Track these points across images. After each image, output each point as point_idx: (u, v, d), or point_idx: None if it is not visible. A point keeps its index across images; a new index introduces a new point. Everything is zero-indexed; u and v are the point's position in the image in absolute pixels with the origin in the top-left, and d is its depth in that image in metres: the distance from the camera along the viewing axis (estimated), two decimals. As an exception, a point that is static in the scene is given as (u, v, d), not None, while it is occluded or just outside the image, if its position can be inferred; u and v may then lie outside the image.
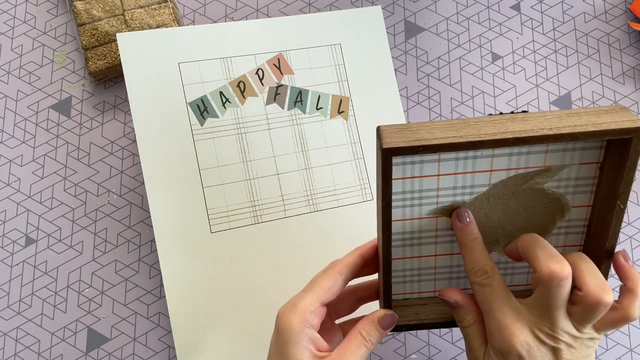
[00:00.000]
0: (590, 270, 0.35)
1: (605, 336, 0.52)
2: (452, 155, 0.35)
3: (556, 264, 0.34)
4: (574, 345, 0.35)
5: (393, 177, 0.35)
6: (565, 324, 0.35)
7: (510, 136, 0.32)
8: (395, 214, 0.37)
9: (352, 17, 0.56)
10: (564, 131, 0.32)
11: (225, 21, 0.59)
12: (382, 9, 0.59)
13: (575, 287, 0.35)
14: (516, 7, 0.60)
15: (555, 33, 0.59)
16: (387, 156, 0.33)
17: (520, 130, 0.32)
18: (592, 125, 0.32)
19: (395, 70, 0.58)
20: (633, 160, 0.33)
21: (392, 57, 0.57)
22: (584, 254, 0.37)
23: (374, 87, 0.55)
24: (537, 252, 0.35)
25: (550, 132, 0.32)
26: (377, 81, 0.55)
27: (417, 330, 0.52)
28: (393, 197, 0.36)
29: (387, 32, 0.59)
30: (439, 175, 0.36)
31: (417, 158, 0.35)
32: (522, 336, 0.35)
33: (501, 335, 0.35)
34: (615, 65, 0.58)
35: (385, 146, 0.32)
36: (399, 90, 0.56)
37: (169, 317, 0.51)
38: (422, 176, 0.36)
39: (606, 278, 0.38)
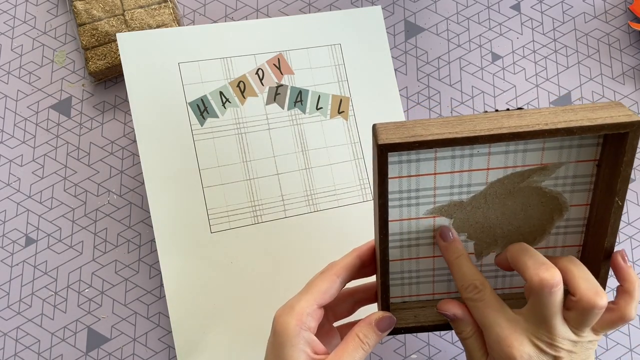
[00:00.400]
0: (582, 275, 0.35)
1: (605, 336, 0.52)
2: (449, 153, 0.35)
3: (546, 272, 0.34)
4: (574, 350, 0.35)
5: (389, 176, 0.35)
6: (563, 330, 0.35)
7: (506, 131, 0.32)
8: (393, 213, 0.37)
9: (352, 17, 0.56)
10: (559, 126, 0.32)
11: (225, 21, 0.59)
12: (382, 9, 0.59)
13: (569, 292, 0.35)
14: (516, 7, 0.60)
15: (555, 33, 0.59)
16: (382, 152, 0.33)
17: (516, 125, 0.32)
18: (588, 120, 0.32)
19: (395, 70, 0.58)
20: (630, 156, 0.33)
21: (392, 57, 0.57)
22: (574, 258, 0.37)
23: (374, 87, 0.55)
24: (525, 261, 0.35)
25: (546, 127, 0.32)
26: (377, 81, 0.55)
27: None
28: (390, 196, 0.36)
29: (387, 32, 0.59)
30: (435, 173, 0.36)
31: (413, 156, 0.35)
32: (521, 347, 0.35)
33: (500, 348, 0.35)
34: (615, 65, 0.58)
35: (380, 142, 0.32)
36: (399, 90, 0.56)
37: (169, 317, 0.51)
38: (418, 175, 0.36)
39: (606, 277, 0.38)
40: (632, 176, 0.55)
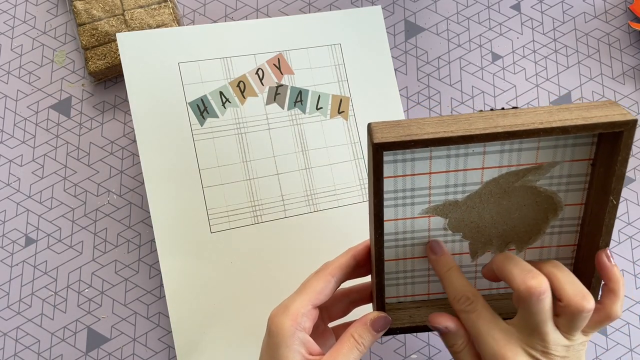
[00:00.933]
0: (567, 279, 0.35)
1: (605, 336, 0.52)
2: (444, 152, 0.35)
3: (532, 279, 0.34)
4: (567, 355, 0.35)
5: (385, 176, 0.36)
6: (555, 336, 0.35)
7: (501, 130, 0.32)
8: (388, 213, 0.37)
9: (352, 17, 0.56)
10: (554, 125, 0.32)
11: (225, 21, 0.59)
12: (382, 8, 0.59)
13: (556, 298, 0.35)
14: (516, 7, 0.60)
15: (556, 33, 0.59)
16: (377, 151, 0.33)
17: (511, 124, 0.32)
18: (582, 119, 0.32)
19: (395, 70, 0.58)
20: (624, 155, 0.33)
21: (392, 57, 0.57)
22: (558, 263, 0.37)
23: (374, 87, 0.55)
24: (511, 270, 0.35)
25: (541, 126, 0.32)
26: (377, 81, 0.55)
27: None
28: (385, 196, 0.36)
29: (387, 32, 0.59)
30: (430, 173, 0.36)
31: (408, 156, 0.35)
32: (516, 358, 0.35)
33: None
34: (616, 65, 0.58)
35: (376, 141, 0.32)
36: (399, 90, 0.56)
37: (169, 317, 0.51)
38: (413, 174, 0.36)
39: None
40: (632, 176, 0.55)
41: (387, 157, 0.35)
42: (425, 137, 0.32)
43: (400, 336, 0.52)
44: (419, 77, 0.58)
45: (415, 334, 0.52)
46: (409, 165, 0.36)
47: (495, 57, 0.59)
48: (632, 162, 0.56)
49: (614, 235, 0.54)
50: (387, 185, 0.36)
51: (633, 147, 0.56)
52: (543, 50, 0.59)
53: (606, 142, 0.34)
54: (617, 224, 0.54)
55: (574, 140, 0.35)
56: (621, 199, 0.55)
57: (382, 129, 0.33)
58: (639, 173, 0.56)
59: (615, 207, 0.35)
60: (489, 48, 0.59)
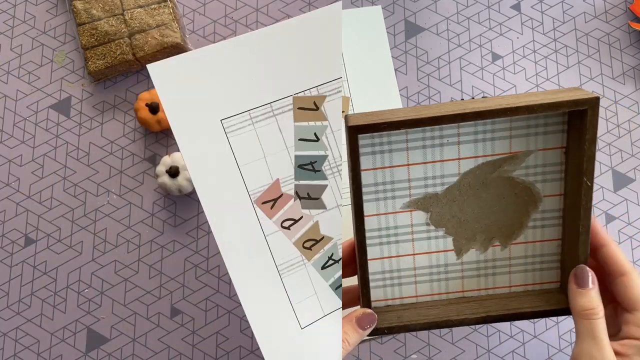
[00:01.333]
0: None
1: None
2: (420, 143, 0.36)
3: None
4: None
5: (364, 168, 0.37)
6: None
7: (469, 111, 0.33)
8: (370, 208, 0.38)
9: (352, 17, 0.56)
10: (520, 104, 0.33)
11: (225, 21, 0.59)
12: (382, 8, 0.59)
13: None
14: (516, 7, 0.60)
15: (556, 33, 0.59)
16: (352, 134, 0.34)
17: (479, 107, 0.34)
18: (548, 99, 0.34)
19: (395, 70, 0.58)
20: (592, 133, 0.34)
21: (392, 57, 0.57)
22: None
23: (374, 87, 0.55)
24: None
25: (507, 106, 0.33)
26: (377, 81, 0.55)
27: (413, 332, 0.52)
28: (366, 189, 0.37)
29: (387, 32, 0.59)
30: (408, 164, 0.37)
31: (385, 147, 0.36)
32: None
33: None
34: (616, 65, 0.58)
35: (350, 124, 0.34)
36: (399, 90, 0.56)
37: (168, 317, 0.50)
38: (392, 166, 0.37)
39: (587, 261, 0.37)
40: (632, 176, 0.55)
41: (366, 148, 0.36)
42: (396, 119, 0.34)
43: (400, 336, 0.52)
44: (419, 77, 0.58)
45: (415, 334, 0.52)
46: (387, 157, 0.36)
47: (496, 57, 0.59)
48: (632, 162, 0.56)
49: (614, 235, 0.54)
50: (367, 178, 0.37)
51: (632, 146, 0.56)
52: (543, 50, 0.59)
53: (575, 126, 0.35)
54: (617, 224, 0.54)
55: (544, 128, 0.36)
56: (621, 199, 0.55)
57: (357, 117, 0.35)
58: (639, 173, 0.56)
59: (590, 189, 0.35)
60: (489, 48, 0.59)
